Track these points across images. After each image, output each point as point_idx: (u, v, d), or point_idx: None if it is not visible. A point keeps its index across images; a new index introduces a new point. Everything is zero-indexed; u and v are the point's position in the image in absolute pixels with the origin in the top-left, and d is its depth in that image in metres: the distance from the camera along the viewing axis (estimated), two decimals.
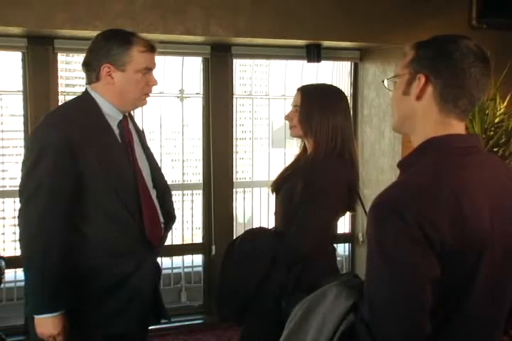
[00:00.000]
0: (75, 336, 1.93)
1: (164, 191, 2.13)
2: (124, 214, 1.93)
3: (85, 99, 1.98)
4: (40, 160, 1.84)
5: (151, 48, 1.96)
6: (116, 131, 1.98)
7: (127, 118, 2.05)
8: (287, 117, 2.18)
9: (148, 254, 2.02)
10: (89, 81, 1.99)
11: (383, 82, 1.44)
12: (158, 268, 2.15)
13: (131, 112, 2.16)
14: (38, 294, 1.88)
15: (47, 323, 1.86)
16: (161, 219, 2.06)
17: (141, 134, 2.14)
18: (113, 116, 1.98)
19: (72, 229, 1.89)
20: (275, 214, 2.22)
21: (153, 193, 2.06)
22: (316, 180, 2.02)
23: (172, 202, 2.19)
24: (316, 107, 2.10)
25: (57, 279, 1.84)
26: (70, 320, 1.90)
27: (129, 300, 1.97)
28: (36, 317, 1.88)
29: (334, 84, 2.63)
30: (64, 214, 1.87)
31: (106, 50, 1.92)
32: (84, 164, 1.86)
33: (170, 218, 2.12)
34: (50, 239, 1.84)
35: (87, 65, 1.98)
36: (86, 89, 2.00)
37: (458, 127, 1.28)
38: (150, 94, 2.05)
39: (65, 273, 1.86)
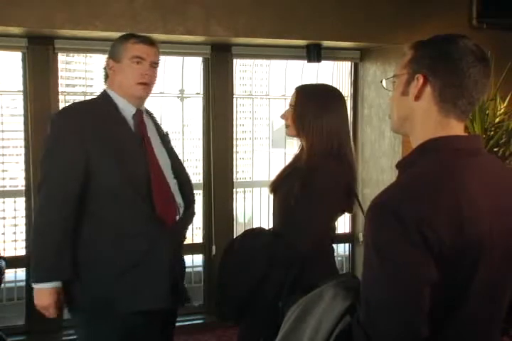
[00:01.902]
0: (91, 316, 2.07)
1: (185, 182, 2.28)
2: (133, 194, 2.05)
3: (102, 95, 2.20)
4: (53, 149, 2.05)
5: (144, 40, 2.15)
6: (131, 122, 2.15)
7: (141, 112, 2.20)
8: (283, 116, 2.18)
9: (162, 234, 2.09)
10: (105, 80, 2.23)
11: (381, 82, 1.43)
12: (177, 252, 2.21)
13: (146, 109, 2.29)
14: (36, 265, 2.05)
15: (41, 295, 2.05)
16: (179, 202, 2.19)
17: (162, 132, 2.31)
18: (127, 110, 2.15)
19: (80, 207, 2.04)
20: (273, 214, 2.22)
21: (173, 182, 2.21)
22: (314, 181, 2.01)
23: (192, 191, 2.33)
24: (310, 107, 2.09)
25: (55, 252, 2.00)
26: (82, 301, 2.07)
27: (143, 282, 2.05)
28: (34, 287, 2.06)
29: (334, 84, 2.63)
30: (73, 195, 2.02)
31: (111, 48, 2.19)
32: (94, 150, 2.02)
33: (190, 203, 2.25)
34: (54, 217, 2.00)
35: (104, 67, 2.22)
36: (104, 89, 2.21)
37: (457, 128, 1.28)
38: (151, 90, 2.21)
39: (66, 247, 2.01)
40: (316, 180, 2.01)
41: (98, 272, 2.04)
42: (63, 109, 2.18)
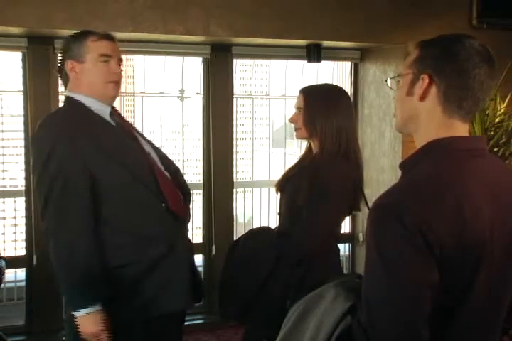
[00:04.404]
0: (116, 324, 1.95)
1: (175, 172, 2.19)
2: (144, 193, 1.98)
3: (69, 103, 2.06)
4: (48, 165, 1.90)
5: (104, 36, 2.03)
6: (112, 122, 2.06)
7: (116, 110, 2.13)
8: (291, 120, 2.19)
9: (178, 227, 2.05)
10: (65, 84, 2.09)
11: (386, 81, 1.42)
12: (191, 247, 2.19)
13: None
14: (71, 291, 1.92)
15: (88, 321, 1.89)
16: (181, 196, 2.11)
17: (134, 127, 2.23)
18: (102, 110, 2.05)
19: (96, 220, 1.93)
20: (279, 213, 2.23)
21: (168, 175, 2.11)
22: (321, 180, 2.02)
23: (184, 179, 2.24)
24: (320, 109, 2.10)
25: (85, 273, 1.88)
26: (109, 311, 1.92)
27: (167, 281, 1.99)
28: (77, 315, 1.90)
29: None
30: (84, 209, 1.91)
31: (66, 49, 2.05)
32: (90, 155, 1.92)
33: (186, 193, 2.17)
34: (72, 238, 1.89)
35: (58, 70, 2.09)
36: (66, 96, 2.08)
37: (461, 128, 1.27)
38: (120, 88, 2.11)
39: (95, 265, 1.89)
40: (324, 179, 2.02)
41: (121, 279, 1.94)
42: (44, 122, 2.01)
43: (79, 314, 1.89)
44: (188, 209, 2.17)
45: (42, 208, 1.95)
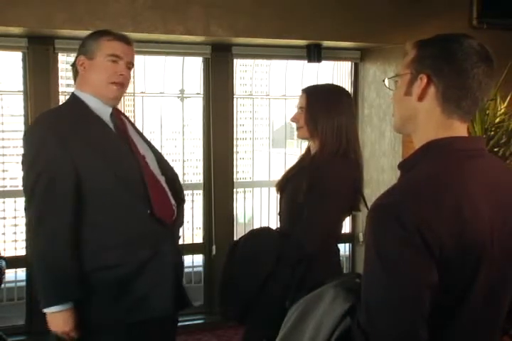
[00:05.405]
0: (97, 328, 1.96)
1: (173, 177, 2.19)
2: (130, 196, 1.97)
3: (72, 99, 2.07)
4: (35, 162, 1.91)
5: (120, 38, 2.05)
6: (110, 124, 2.05)
7: (119, 111, 2.14)
8: (293, 119, 2.20)
9: (164, 235, 2.03)
10: (74, 79, 2.11)
11: (384, 81, 1.42)
12: (179, 254, 2.16)
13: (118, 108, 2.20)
14: (43, 288, 1.92)
15: (57, 319, 1.91)
16: (173, 202, 2.10)
17: (136, 128, 2.23)
18: (102, 110, 2.04)
19: (80, 221, 1.93)
20: (279, 213, 2.23)
21: (162, 179, 2.11)
22: (321, 181, 2.03)
23: (181, 186, 2.24)
24: (322, 108, 2.11)
25: (59, 273, 1.88)
26: (90, 312, 1.94)
27: (151, 285, 1.99)
28: (46, 311, 1.91)
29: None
30: (65, 209, 1.90)
31: (82, 45, 2.07)
32: (80, 156, 1.91)
33: (180, 200, 2.16)
34: (50, 237, 1.89)
35: (71, 65, 2.11)
36: (72, 92, 2.10)
37: (460, 128, 1.27)
38: (124, 91, 2.13)
39: (69, 264, 1.89)
40: (323, 179, 2.03)
41: (105, 282, 1.94)
42: (38, 119, 2.04)
43: (49, 311, 1.91)
44: (180, 214, 2.14)
45: (25, 204, 1.96)
